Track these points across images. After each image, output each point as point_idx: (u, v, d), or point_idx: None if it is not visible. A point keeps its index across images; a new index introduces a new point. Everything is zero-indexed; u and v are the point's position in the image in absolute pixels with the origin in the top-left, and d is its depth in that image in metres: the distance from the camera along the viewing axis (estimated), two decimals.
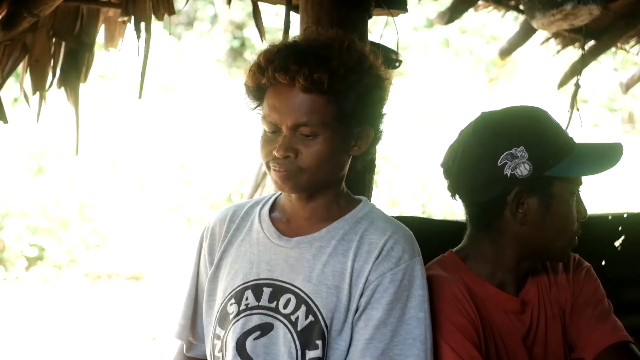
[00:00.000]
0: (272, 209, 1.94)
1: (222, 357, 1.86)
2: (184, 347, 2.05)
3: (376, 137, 1.89)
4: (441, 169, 2.03)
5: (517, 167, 1.89)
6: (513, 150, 1.89)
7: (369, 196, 2.49)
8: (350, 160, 1.88)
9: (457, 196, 2.00)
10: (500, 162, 1.89)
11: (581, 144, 1.99)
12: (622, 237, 3.14)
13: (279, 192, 1.95)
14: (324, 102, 1.77)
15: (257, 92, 1.84)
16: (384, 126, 1.90)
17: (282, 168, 1.79)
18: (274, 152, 1.79)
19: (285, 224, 1.89)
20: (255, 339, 1.82)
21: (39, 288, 8.26)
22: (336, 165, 1.84)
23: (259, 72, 1.81)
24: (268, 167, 1.82)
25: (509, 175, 1.89)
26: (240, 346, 1.83)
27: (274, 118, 1.79)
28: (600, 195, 9.73)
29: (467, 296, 1.90)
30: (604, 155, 1.99)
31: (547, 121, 1.96)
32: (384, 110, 1.87)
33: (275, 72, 1.77)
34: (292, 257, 1.84)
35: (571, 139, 1.99)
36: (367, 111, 1.82)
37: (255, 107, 1.87)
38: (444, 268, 1.96)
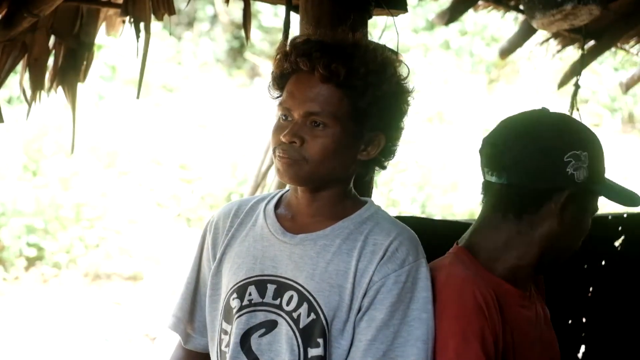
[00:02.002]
0: (277, 205, 1.94)
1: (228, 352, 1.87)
2: (181, 339, 2.06)
3: (389, 149, 1.89)
4: (482, 146, 1.98)
5: (577, 169, 1.89)
6: (579, 152, 1.89)
7: (369, 196, 2.49)
8: (357, 164, 1.87)
9: (496, 173, 1.93)
10: (566, 158, 1.89)
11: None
12: (622, 237, 3.14)
13: (285, 189, 1.96)
14: (340, 96, 1.79)
15: (281, 79, 1.86)
16: (399, 141, 1.90)
17: (285, 154, 1.80)
18: (281, 137, 1.80)
19: (290, 221, 1.89)
20: (260, 336, 1.83)
21: (38, 288, 8.26)
22: (340, 162, 1.84)
23: (283, 57, 1.84)
24: (275, 155, 1.83)
25: (569, 173, 1.89)
26: (244, 342, 1.83)
27: (289, 104, 1.82)
28: None
29: (493, 298, 1.86)
30: (628, 194, 1.99)
31: (600, 143, 1.99)
32: (402, 123, 1.88)
33: (297, 57, 1.80)
34: (296, 254, 1.84)
35: None
36: (382, 117, 1.83)
37: (277, 97, 1.88)
38: (467, 267, 1.91)
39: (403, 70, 1.86)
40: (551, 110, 2.00)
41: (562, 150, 1.89)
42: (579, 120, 2.05)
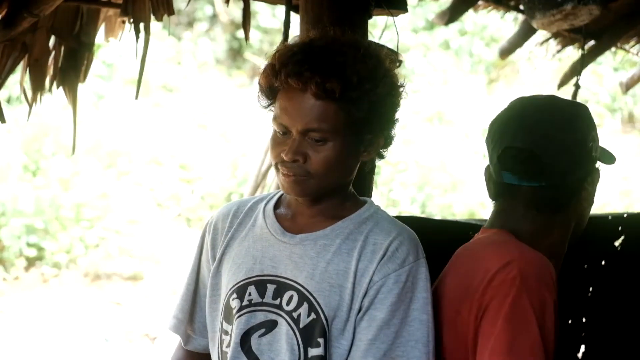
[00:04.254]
0: (276, 205, 1.94)
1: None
2: (182, 340, 2.05)
3: (387, 142, 1.89)
4: (512, 151, 1.92)
5: (596, 149, 1.96)
6: (593, 133, 1.96)
7: (369, 196, 2.49)
8: (359, 164, 1.88)
9: (532, 178, 1.91)
10: (589, 144, 1.94)
11: None
12: (622, 237, 3.14)
13: None
14: (335, 110, 1.76)
15: (270, 92, 1.83)
16: (395, 131, 1.90)
17: (290, 172, 1.79)
18: (283, 155, 1.78)
19: (289, 221, 1.89)
20: (260, 336, 1.83)
21: (38, 288, 8.26)
22: (345, 171, 1.84)
23: (272, 74, 1.80)
24: (277, 169, 1.82)
25: (593, 156, 1.95)
26: (244, 342, 1.83)
27: (284, 120, 1.79)
28: (601, 195, 9.68)
29: None
30: (609, 154, 2.06)
31: None
32: (396, 116, 1.87)
33: (288, 76, 1.76)
34: (296, 254, 1.84)
35: None
36: (379, 119, 1.82)
37: (268, 106, 1.86)
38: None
39: (393, 64, 1.84)
40: (557, 97, 2.03)
41: (585, 139, 1.94)
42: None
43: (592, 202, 2.00)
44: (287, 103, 1.78)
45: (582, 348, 3.03)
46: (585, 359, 3.03)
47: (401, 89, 1.85)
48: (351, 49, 1.79)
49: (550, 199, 1.92)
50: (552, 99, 2.02)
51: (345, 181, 1.87)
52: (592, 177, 1.95)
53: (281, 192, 1.96)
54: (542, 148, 1.90)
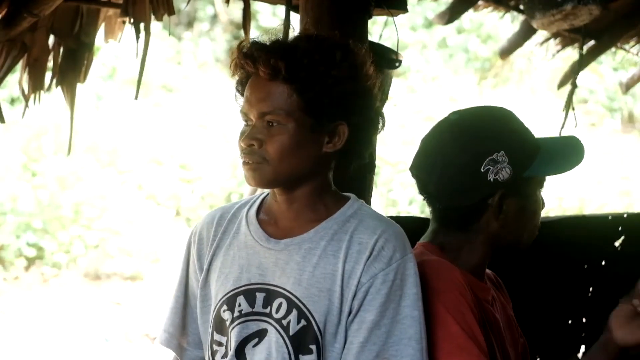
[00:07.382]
0: (259, 210, 1.90)
1: None
2: (176, 354, 2.01)
3: (360, 138, 1.83)
4: (411, 172, 2.02)
5: (499, 172, 1.90)
6: (494, 156, 1.90)
7: (369, 197, 2.48)
8: (326, 158, 1.82)
9: (428, 199, 1.99)
10: (483, 168, 1.90)
11: (542, 138, 2.01)
12: (622, 237, 3.14)
13: (266, 192, 1.92)
14: (288, 92, 1.76)
15: (241, 86, 1.85)
16: (375, 125, 1.84)
17: (247, 159, 1.79)
18: (240, 142, 1.79)
19: (273, 226, 1.86)
20: (253, 346, 1.80)
21: (38, 288, 8.26)
22: (303, 158, 1.79)
23: (233, 64, 1.83)
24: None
25: (492, 180, 1.90)
26: (239, 353, 1.81)
27: (245, 108, 1.81)
28: (601, 195, 9.73)
29: (468, 285, 1.89)
30: (569, 151, 2.01)
31: (517, 121, 1.99)
32: (368, 109, 1.81)
33: (241, 59, 1.79)
34: (282, 260, 1.81)
35: (534, 135, 2.00)
36: (339, 105, 1.78)
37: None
38: (441, 258, 1.95)
39: (359, 54, 1.80)
40: (460, 111, 2.01)
41: (476, 163, 1.90)
42: (491, 113, 2.03)
43: (515, 220, 1.96)
44: (248, 91, 1.80)
45: (582, 348, 3.03)
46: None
47: (367, 78, 1.80)
48: (306, 36, 1.82)
49: (450, 219, 1.97)
50: (463, 121, 1.99)
51: (308, 170, 1.80)
52: (495, 201, 1.92)
53: (263, 196, 1.92)
54: (428, 174, 1.96)
